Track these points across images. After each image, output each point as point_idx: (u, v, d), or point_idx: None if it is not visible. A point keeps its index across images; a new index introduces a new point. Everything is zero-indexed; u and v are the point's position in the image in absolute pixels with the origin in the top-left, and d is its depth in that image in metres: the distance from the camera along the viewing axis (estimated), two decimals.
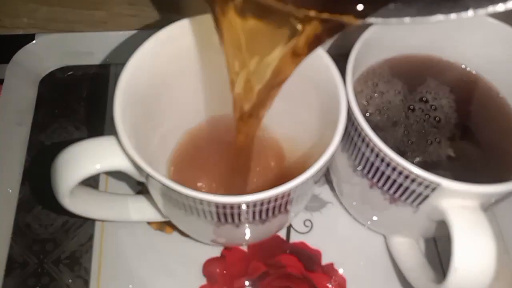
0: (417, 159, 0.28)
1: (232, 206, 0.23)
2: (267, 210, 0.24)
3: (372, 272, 0.32)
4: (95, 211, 0.28)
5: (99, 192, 0.30)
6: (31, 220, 0.33)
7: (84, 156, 0.23)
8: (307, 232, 0.34)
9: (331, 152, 0.23)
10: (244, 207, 0.23)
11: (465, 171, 0.28)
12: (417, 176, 0.23)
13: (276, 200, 0.23)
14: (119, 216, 0.29)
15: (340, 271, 0.32)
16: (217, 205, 0.23)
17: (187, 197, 0.22)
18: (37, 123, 0.37)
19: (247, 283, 0.32)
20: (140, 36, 0.39)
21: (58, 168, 0.24)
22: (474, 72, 0.31)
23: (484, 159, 0.29)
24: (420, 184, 0.23)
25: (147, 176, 0.23)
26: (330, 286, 0.32)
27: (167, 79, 0.29)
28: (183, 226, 0.29)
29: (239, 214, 0.24)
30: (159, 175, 0.22)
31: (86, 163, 0.23)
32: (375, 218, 0.30)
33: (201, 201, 0.22)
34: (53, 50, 0.39)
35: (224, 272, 0.32)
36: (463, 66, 0.31)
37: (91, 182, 0.34)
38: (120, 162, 0.23)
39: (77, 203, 0.26)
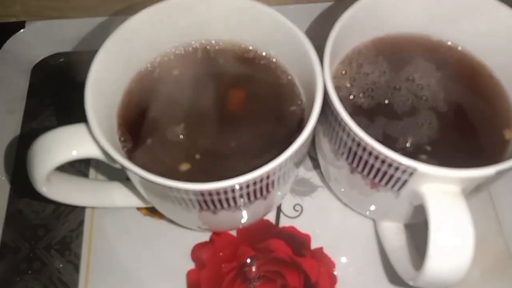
0: (409, 142, 0.27)
1: (210, 193, 0.23)
2: (248, 193, 0.24)
3: (361, 256, 0.32)
4: (76, 197, 0.28)
5: (79, 179, 0.30)
6: (23, 206, 0.34)
7: (56, 144, 0.23)
8: (297, 217, 0.33)
9: (306, 135, 0.23)
10: (223, 192, 0.23)
11: (457, 153, 0.27)
12: (393, 160, 0.22)
13: (255, 183, 0.23)
14: (103, 202, 0.29)
15: (329, 255, 0.32)
16: (194, 193, 0.22)
17: (162, 186, 0.22)
18: (29, 110, 0.38)
19: (235, 267, 0.32)
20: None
21: (32, 156, 0.24)
22: (464, 50, 0.29)
23: (475, 141, 0.28)
24: (397, 169, 0.22)
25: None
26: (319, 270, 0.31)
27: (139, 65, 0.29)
28: (166, 213, 0.29)
29: (219, 200, 0.23)
30: (132, 165, 0.22)
31: (58, 150, 0.23)
32: (361, 203, 0.30)
33: (178, 190, 0.22)
34: (43, 38, 0.39)
35: (212, 256, 0.32)
36: (449, 43, 0.30)
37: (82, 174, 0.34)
38: (92, 150, 0.23)
39: (56, 190, 0.26)
